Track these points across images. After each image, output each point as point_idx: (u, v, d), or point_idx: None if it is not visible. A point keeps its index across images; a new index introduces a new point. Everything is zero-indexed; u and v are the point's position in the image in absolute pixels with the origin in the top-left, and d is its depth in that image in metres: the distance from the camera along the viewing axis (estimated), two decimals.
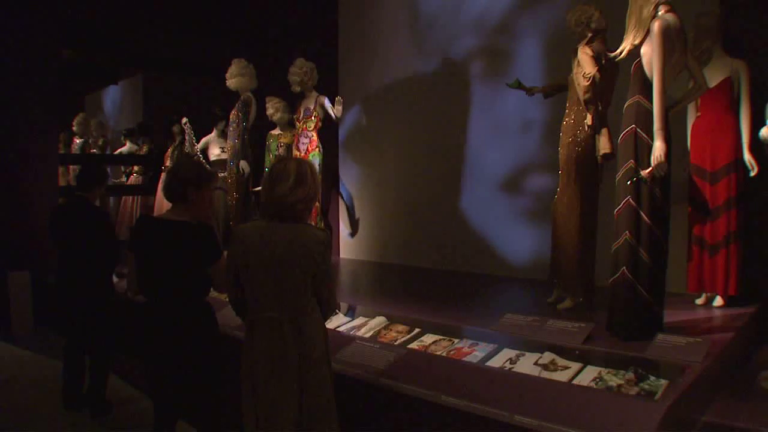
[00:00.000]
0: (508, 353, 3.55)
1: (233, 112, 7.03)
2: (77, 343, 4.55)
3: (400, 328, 4.17)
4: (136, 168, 9.96)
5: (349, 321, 4.45)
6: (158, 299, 3.27)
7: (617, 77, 4.59)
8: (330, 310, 2.99)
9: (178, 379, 3.30)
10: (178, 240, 3.23)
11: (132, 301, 3.52)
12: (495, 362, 3.46)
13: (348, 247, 8.25)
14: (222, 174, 7.21)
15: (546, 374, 3.23)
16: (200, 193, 3.31)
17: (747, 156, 4.55)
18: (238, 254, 2.80)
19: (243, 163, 6.90)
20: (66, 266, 4.51)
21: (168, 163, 8.35)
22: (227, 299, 3.05)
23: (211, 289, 3.35)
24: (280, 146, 7.18)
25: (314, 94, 6.67)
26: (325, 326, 2.95)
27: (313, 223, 5.88)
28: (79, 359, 4.55)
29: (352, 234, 8.20)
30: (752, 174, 4.55)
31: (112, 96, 13.77)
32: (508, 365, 3.40)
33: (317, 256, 2.75)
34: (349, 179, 8.26)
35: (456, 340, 3.83)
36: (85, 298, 4.43)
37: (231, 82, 7.01)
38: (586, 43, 4.51)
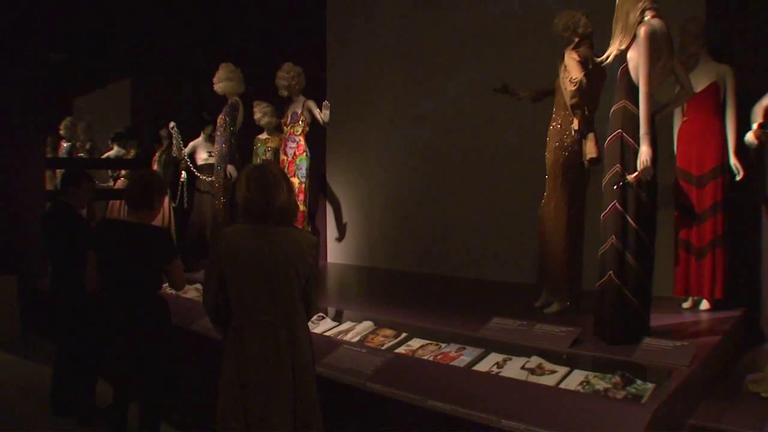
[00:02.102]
0: (495, 357, 3.56)
1: (220, 116, 6.99)
2: (69, 350, 4.51)
3: (387, 332, 4.16)
4: (123, 172, 9.90)
5: (336, 325, 4.44)
6: (121, 293, 3.49)
7: (604, 82, 4.60)
8: (314, 313, 3.07)
9: (137, 365, 3.45)
10: (142, 241, 3.51)
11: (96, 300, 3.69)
12: (482, 366, 3.47)
13: (335, 251, 8.23)
14: (209, 178, 7.19)
15: (533, 378, 3.24)
16: (161, 200, 3.70)
17: (733, 160, 4.58)
18: (226, 258, 2.78)
19: (230, 168, 6.86)
20: (54, 273, 4.51)
21: (156, 167, 8.30)
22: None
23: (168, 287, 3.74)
24: (268, 150, 7.16)
25: (302, 98, 6.66)
26: (309, 330, 2.97)
27: (300, 227, 5.88)
28: (70, 367, 4.51)
29: (339, 238, 8.19)
30: (738, 178, 4.58)
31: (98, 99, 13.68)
32: (495, 369, 3.40)
33: (310, 259, 2.81)
34: (336, 183, 8.24)
35: (443, 345, 3.83)
36: (69, 305, 4.38)
37: (218, 87, 6.97)
38: (573, 48, 4.52)
